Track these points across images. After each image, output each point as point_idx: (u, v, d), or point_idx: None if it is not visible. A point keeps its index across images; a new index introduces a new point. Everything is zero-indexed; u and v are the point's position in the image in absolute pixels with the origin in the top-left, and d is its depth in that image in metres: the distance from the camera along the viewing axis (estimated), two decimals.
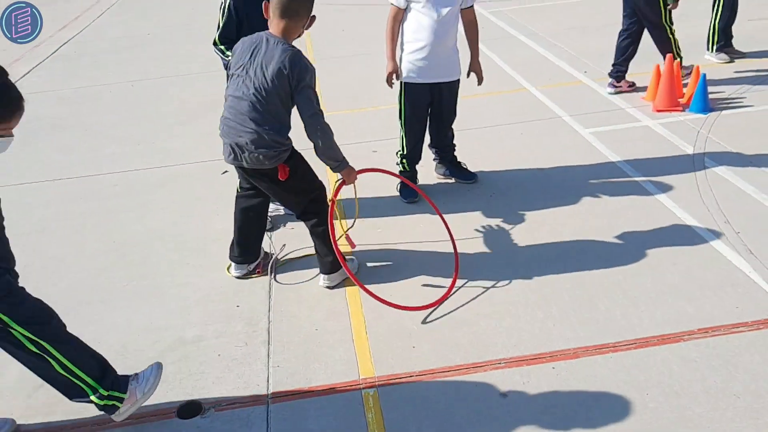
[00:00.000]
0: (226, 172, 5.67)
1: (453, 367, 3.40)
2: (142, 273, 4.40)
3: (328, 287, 4.09)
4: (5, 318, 2.73)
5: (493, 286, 3.98)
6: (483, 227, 4.63)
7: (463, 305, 3.85)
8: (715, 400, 3.07)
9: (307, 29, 3.69)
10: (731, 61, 7.45)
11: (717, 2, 7.35)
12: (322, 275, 4.12)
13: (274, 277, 4.24)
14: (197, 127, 6.90)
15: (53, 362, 2.84)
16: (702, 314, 3.60)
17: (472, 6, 4.78)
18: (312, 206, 3.96)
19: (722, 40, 7.47)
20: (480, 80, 5.02)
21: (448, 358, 3.46)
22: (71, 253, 4.71)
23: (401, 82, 4.86)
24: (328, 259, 4.04)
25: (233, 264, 4.26)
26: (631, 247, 4.26)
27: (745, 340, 3.39)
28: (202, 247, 4.64)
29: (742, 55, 7.43)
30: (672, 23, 6.54)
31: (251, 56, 3.60)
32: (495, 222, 4.69)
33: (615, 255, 4.19)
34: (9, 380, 3.51)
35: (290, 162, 3.76)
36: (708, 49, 7.57)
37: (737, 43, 7.59)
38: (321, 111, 3.63)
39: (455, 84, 4.89)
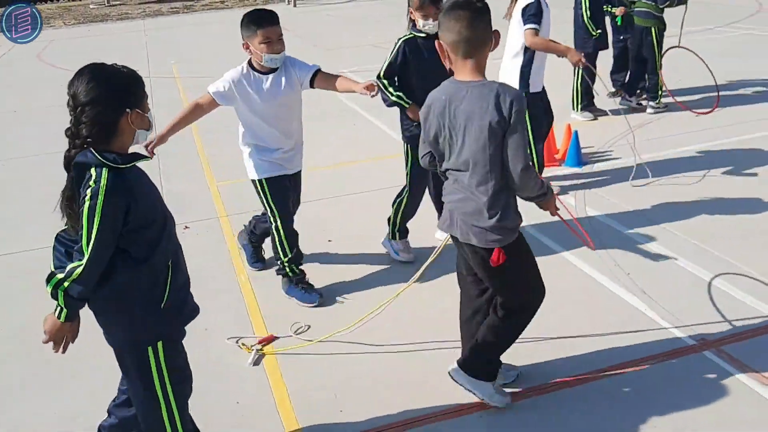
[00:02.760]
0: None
1: (384, 427, 3.40)
2: (45, 358, 4.12)
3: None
4: None
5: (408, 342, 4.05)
6: None
7: (389, 363, 3.87)
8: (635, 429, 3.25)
9: (493, 50, 3.08)
10: (595, 119, 8.10)
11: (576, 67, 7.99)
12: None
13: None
14: None
15: None
16: (612, 354, 3.82)
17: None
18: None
19: (585, 100, 8.13)
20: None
21: (379, 419, 3.46)
22: None
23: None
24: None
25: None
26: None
27: (656, 372, 3.63)
28: None
29: (604, 113, 8.08)
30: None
31: (449, 113, 3.03)
32: None
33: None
34: None
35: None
36: (573, 109, 8.20)
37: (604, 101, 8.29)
38: None
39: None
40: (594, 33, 7.83)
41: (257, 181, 4.47)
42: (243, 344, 4.11)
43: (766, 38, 12.22)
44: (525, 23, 5.50)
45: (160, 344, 2.76)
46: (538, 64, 5.76)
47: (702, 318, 4.05)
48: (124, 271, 2.63)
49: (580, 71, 7.81)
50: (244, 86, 4.30)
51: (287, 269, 4.58)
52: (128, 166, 2.57)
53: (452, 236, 3.27)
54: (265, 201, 4.48)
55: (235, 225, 5.82)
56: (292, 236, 4.54)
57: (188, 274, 2.94)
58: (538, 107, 5.85)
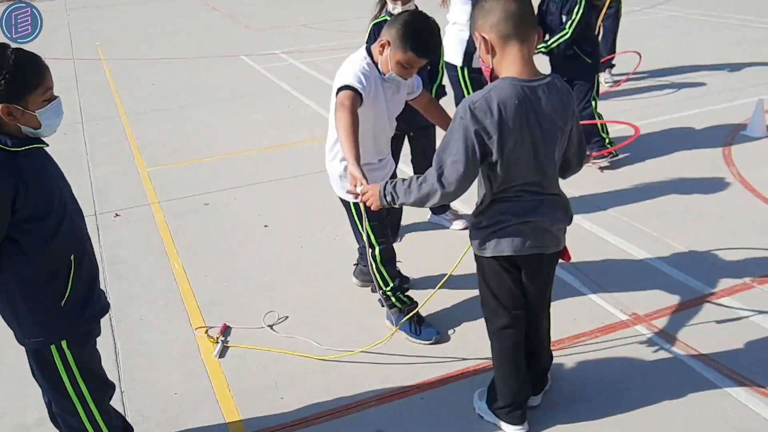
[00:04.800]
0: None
1: (324, 413, 3.38)
2: None
3: None
4: None
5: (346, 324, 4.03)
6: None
7: (328, 348, 3.85)
8: (572, 403, 3.31)
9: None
10: None
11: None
12: None
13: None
14: None
15: None
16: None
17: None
18: None
19: None
20: None
21: (318, 405, 3.43)
22: None
23: None
24: None
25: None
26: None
27: (589, 348, 3.71)
28: None
29: None
30: None
31: (526, 120, 2.59)
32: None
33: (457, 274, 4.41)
34: None
35: None
36: None
37: None
38: None
39: None
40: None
41: (354, 204, 3.61)
42: (209, 336, 3.98)
43: (690, 18, 12.59)
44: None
45: (64, 343, 2.59)
46: None
47: (632, 293, 4.17)
48: (16, 264, 2.44)
49: None
50: (372, 82, 3.43)
51: (393, 299, 3.91)
52: (21, 149, 2.39)
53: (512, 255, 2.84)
54: (360, 225, 3.71)
55: (167, 212, 5.68)
56: (390, 261, 3.88)
57: (97, 268, 2.74)
58: (478, 83, 5.86)
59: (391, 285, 3.85)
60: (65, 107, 2.61)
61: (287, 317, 4.15)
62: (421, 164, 4.88)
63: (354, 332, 3.97)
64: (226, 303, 4.34)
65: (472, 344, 3.78)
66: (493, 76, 2.68)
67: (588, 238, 4.89)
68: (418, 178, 2.74)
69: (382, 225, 3.74)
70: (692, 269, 4.38)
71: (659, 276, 4.34)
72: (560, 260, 3.04)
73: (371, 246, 3.72)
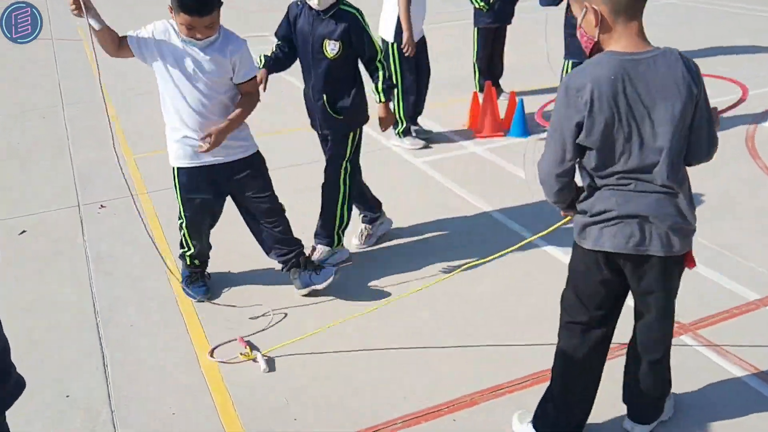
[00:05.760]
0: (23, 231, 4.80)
1: None
2: None
3: None
4: None
5: (365, 334, 3.64)
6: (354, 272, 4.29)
7: (343, 363, 3.46)
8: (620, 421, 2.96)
9: None
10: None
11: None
12: None
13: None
14: None
15: None
16: None
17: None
18: None
19: (482, 78, 7.31)
20: None
21: (338, 425, 3.05)
22: None
23: None
24: None
25: None
26: (514, 290, 4.13)
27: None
28: None
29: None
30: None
31: (625, 97, 2.32)
32: (368, 275, 4.37)
33: (494, 295, 4.04)
34: None
35: None
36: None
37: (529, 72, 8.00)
38: None
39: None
40: (478, 4, 7.05)
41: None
42: (240, 353, 3.51)
43: (689, 6, 12.28)
44: None
45: None
46: (415, 13, 5.77)
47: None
48: None
49: (475, 46, 7.30)
50: (166, 40, 3.54)
51: (187, 260, 4.03)
52: None
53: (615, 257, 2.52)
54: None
55: (157, 202, 5.25)
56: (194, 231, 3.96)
57: (6, 341, 1.95)
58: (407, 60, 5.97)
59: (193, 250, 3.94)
60: (44, 90, 2.17)
61: (285, 314, 3.76)
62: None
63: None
64: (227, 308, 3.92)
65: (506, 358, 3.42)
66: (594, 51, 2.40)
67: None
68: None
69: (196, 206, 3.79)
70: (732, 271, 4.04)
71: (697, 278, 3.99)
72: (687, 267, 2.62)
73: (179, 217, 3.90)
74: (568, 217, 2.75)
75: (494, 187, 5.36)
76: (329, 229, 4.29)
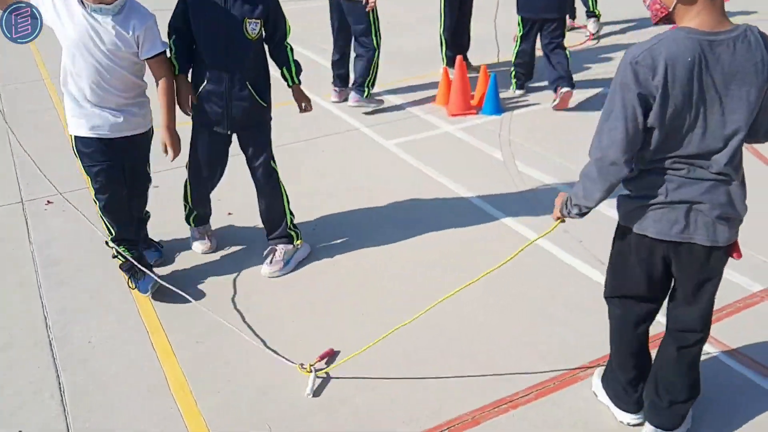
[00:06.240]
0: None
1: None
2: None
3: None
4: None
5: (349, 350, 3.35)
6: (328, 269, 3.98)
7: (332, 379, 3.16)
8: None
9: None
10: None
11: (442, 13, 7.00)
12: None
13: None
14: None
15: None
16: (590, 341, 3.30)
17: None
18: None
19: (449, 51, 6.97)
20: None
21: None
22: None
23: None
24: None
25: None
26: (490, 278, 3.87)
27: None
28: None
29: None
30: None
31: (699, 82, 2.14)
32: (340, 264, 4.05)
33: (475, 288, 3.77)
34: None
35: None
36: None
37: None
38: None
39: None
40: None
41: None
42: (301, 364, 3.17)
43: None
44: None
45: None
46: None
47: None
48: None
49: (442, 17, 6.93)
50: (65, 8, 3.33)
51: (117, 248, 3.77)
52: None
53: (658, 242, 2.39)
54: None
55: None
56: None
57: None
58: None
59: (113, 234, 3.74)
60: None
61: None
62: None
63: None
64: (194, 313, 3.58)
65: (504, 368, 3.17)
66: (661, 21, 2.26)
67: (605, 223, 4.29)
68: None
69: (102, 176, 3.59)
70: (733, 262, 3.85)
71: None
72: (731, 257, 2.48)
73: (94, 200, 3.71)
74: (560, 221, 2.61)
75: (471, 170, 5.08)
76: (284, 227, 3.98)
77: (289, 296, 3.74)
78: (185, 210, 4.14)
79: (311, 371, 3.10)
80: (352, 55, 6.20)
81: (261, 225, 4.11)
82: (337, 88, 6.46)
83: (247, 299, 3.73)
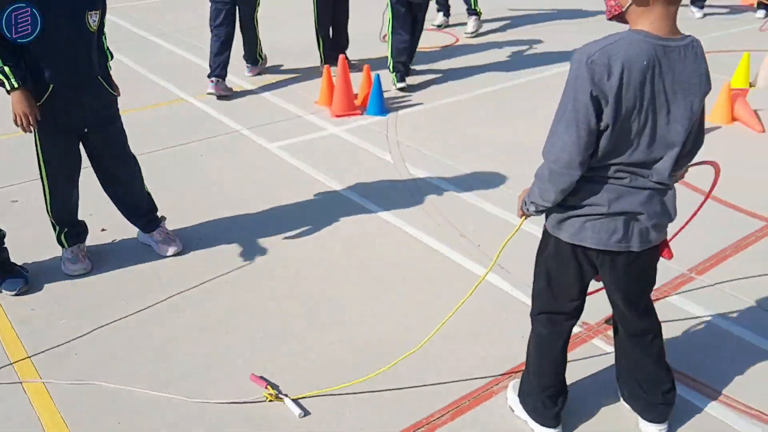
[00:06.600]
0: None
1: None
2: None
3: None
4: None
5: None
6: (218, 287, 3.67)
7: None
8: None
9: None
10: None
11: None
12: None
13: None
14: None
15: None
16: (497, 354, 3.21)
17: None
18: None
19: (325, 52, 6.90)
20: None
21: None
22: None
23: None
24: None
25: None
26: (387, 286, 3.72)
27: None
28: None
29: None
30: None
31: (651, 87, 2.09)
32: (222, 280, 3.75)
33: (376, 299, 3.61)
34: None
35: None
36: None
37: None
38: None
39: None
40: None
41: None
42: (270, 393, 2.91)
43: None
44: None
45: None
46: None
47: None
48: None
49: (315, 14, 6.75)
50: None
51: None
52: None
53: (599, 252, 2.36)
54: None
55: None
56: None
57: None
58: None
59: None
60: None
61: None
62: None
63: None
64: (57, 316, 3.18)
65: (416, 386, 3.02)
66: (615, 19, 2.19)
67: (500, 226, 4.27)
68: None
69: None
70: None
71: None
72: (662, 257, 2.48)
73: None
74: (524, 218, 2.52)
75: (362, 173, 4.91)
76: (151, 201, 3.99)
77: (184, 321, 3.41)
78: (54, 229, 3.71)
79: (280, 396, 2.90)
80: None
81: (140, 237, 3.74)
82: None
83: (141, 327, 3.37)
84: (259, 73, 6.86)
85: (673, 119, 2.15)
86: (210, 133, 5.54)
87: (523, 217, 2.52)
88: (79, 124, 3.50)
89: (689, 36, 2.15)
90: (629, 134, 2.14)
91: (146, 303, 3.52)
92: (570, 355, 2.75)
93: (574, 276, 2.46)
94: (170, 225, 4.10)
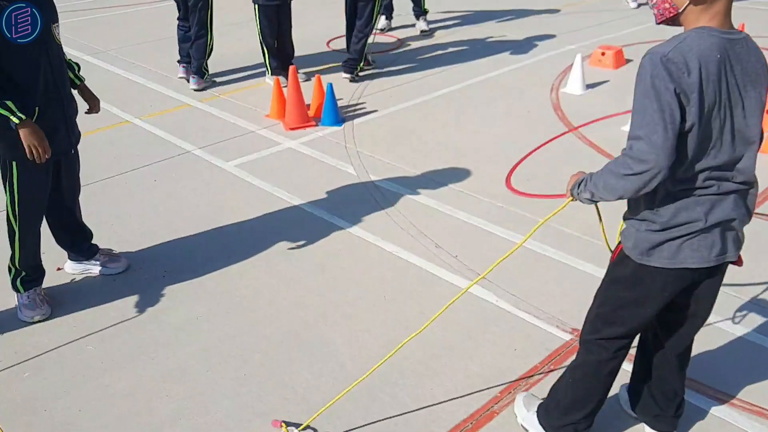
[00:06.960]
0: None
1: None
2: None
3: None
4: None
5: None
6: (190, 326, 3.46)
7: None
8: None
9: None
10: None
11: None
12: None
13: None
14: None
15: None
16: (491, 370, 3.12)
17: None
18: None
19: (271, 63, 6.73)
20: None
21: None
22: None
23: None
24: None
25: None
26: (369, 305, 3.58)
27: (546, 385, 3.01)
28: None
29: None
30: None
31: (726, 81, 2.00)
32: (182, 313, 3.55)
33: (352, 317, 3.47)
34: None
35: None
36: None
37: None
38: None
39: None
40: None
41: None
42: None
43: None
44: None
45: None
46: None
47: (558, 301, 3.55)
48: None
49: (258, 25, 6.53)
50: None
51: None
52: None
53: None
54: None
55: None
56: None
57: None
58: None
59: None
60: None
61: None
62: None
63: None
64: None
65: (410, 409, 2.89)
66: (667, 22, 2.10)
67: (475, 232, 4.18)
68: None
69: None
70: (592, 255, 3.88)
71: (576, 274, 3.78)
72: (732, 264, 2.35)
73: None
74: (570, 200, 2.37)
75: (326, 187, 4.76)
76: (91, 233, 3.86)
77: (158, 364, 3.20)
78: (10, 274, 3.45)
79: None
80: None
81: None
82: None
83: (110, 374, 3.14)
84: (204, 88, 6.61)
85: (748, 113, 2.07)
86: (160, 155, 5.29)
87: (570, 199, 2.36)
88: (66, 144, 3.36)
89: (741, 31, 2.09)
90: (712, 133, 2.03)
91: (114, 347, 3.29)
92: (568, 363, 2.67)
93: (657, 301, 2.29)
94: (130, 258, 3.87)
